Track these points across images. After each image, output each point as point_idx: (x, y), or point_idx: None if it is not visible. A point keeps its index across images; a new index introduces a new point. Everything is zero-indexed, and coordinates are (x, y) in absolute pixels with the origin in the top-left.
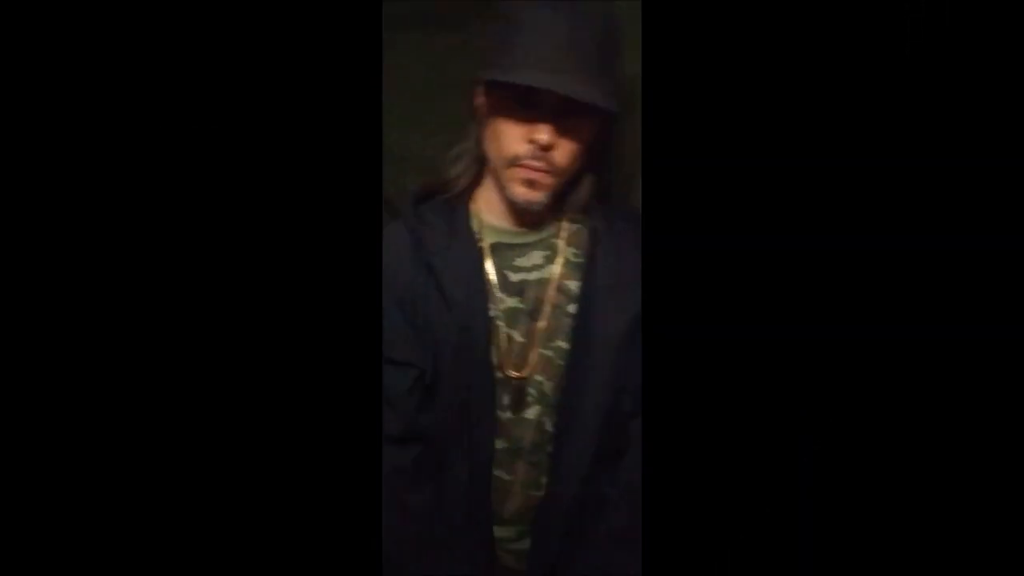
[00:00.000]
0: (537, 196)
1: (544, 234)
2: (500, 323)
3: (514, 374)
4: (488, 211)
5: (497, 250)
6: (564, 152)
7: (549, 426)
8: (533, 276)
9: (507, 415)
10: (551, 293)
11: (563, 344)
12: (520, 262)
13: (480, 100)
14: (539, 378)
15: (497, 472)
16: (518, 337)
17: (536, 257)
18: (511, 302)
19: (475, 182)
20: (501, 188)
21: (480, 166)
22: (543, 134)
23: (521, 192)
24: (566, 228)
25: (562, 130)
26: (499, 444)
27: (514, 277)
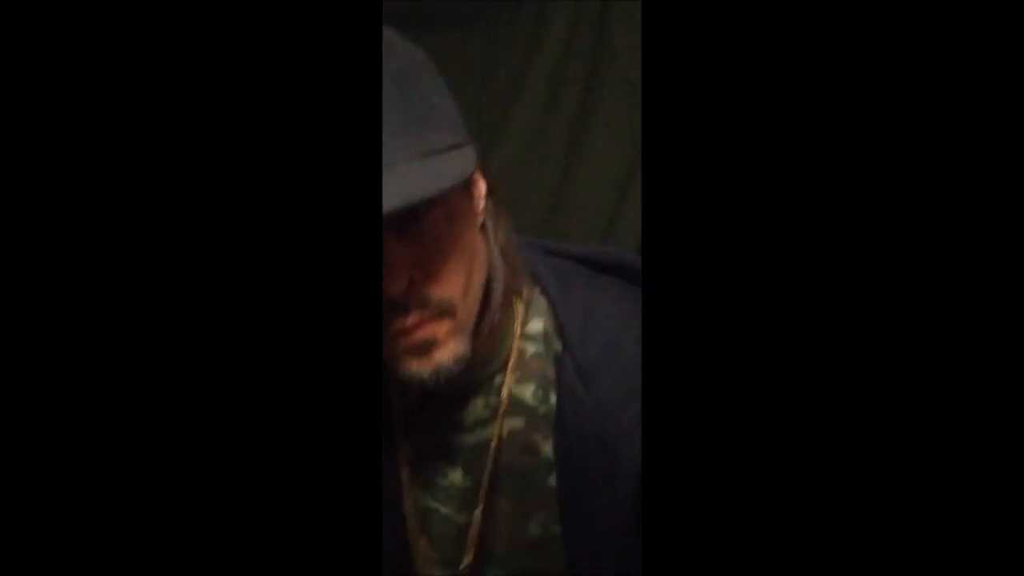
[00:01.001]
0: (443, 358)
1: (486, 371)
2: (441, 508)
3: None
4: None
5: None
6: (438, 276)
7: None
8: (482, 437)
9: None
10: (515, 457)
11: (544, 525)
12: (458, 419)
13: None
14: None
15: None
16: (474, 521)
17: (479, 409)
18: (454, 477)
19: None
20: (393, 372)
21: None
22: (390, 278)
23: (415, 366)
24: (521, 355)
25: (421, 253)
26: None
27: (454, 442)
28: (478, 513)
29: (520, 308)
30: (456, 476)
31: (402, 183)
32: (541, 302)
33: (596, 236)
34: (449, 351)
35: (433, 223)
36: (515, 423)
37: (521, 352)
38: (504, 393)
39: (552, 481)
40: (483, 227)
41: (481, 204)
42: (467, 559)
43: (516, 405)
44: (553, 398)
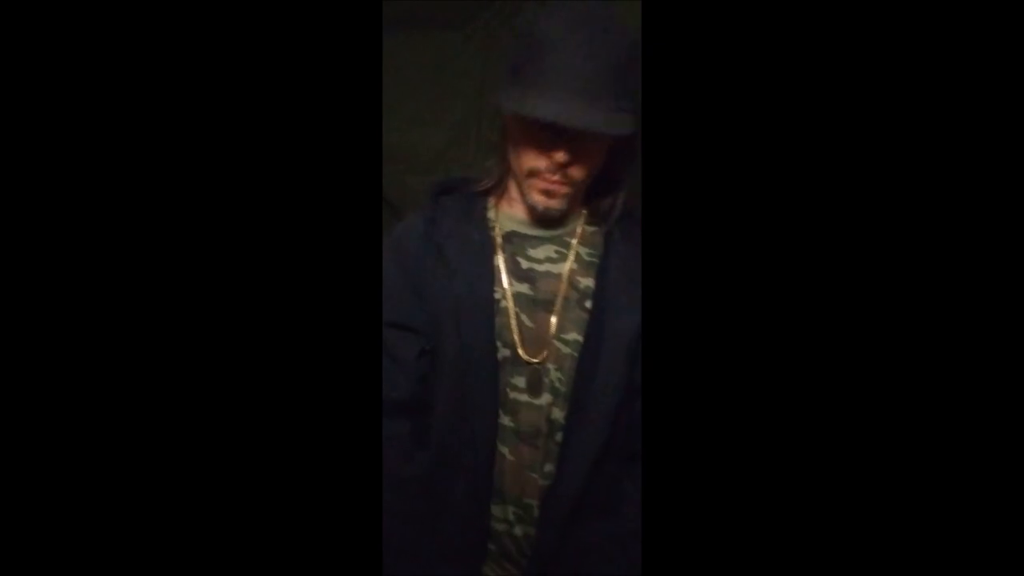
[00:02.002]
0: (555, 203)
1: (559, 231)
2: (507, 305)
3: (529, 358)
4: (508, 205)
5: (510, 239)
6: (581, 168)
7: (558, 415)
8: (543, 268)
9: (518, 396)
10: (563, 286)
11: (577, 337)
12: (532, 253)
13: (505, 119)
14: (551, 367)
15: (501, 449)
16: (528, 323)
17: (548, 251)
18: (520, 287)
19: (498, 183)
20: (522, 193)
21: (504, 171)
22: (560, 155)
23: (540, 200)
24: (581, 229)
25: (580, 151)
26: (505, 422)
27: (525, 265)
28: (529, 318)
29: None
30: (523, 288)
31: (597, 119)
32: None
33: None
34: (558, 202)
35: (600, 142)
36: (569, 265)
37: (583, 229)
38: (567, 247)
39: (587, 304)
40: (618, 161)
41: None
42: (540, 356)
43: (571, 254)
44: (596, 258)
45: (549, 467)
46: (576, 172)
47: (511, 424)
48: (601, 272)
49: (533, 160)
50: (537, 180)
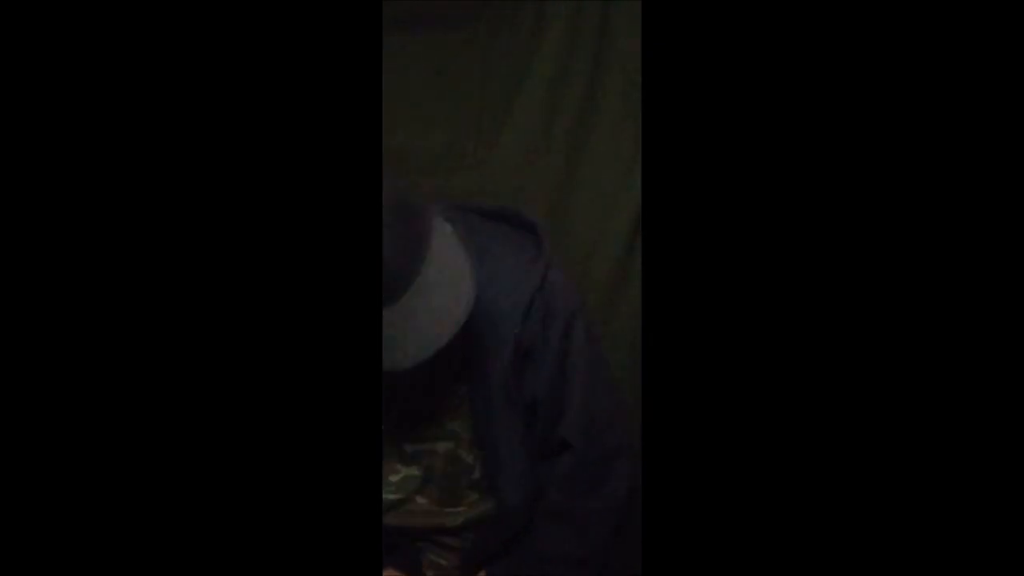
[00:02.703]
0: None
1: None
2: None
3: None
4: None
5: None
6: None
7: (466, 457)
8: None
9: (412, 447)
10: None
11: (462, 385)
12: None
13: None
14: (448, 423)
15: (420, 499)
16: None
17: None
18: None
19: None
20: None
21: None
22: None
23: None
24: None
25: None
26: (414, 472)
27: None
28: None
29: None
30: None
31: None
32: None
33: (597, 235)
34: None
35: None
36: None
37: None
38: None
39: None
40: None
41: None
42: None
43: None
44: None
45: (472, 496)
46: None
47: (417, 473)
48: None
49: None
50: None
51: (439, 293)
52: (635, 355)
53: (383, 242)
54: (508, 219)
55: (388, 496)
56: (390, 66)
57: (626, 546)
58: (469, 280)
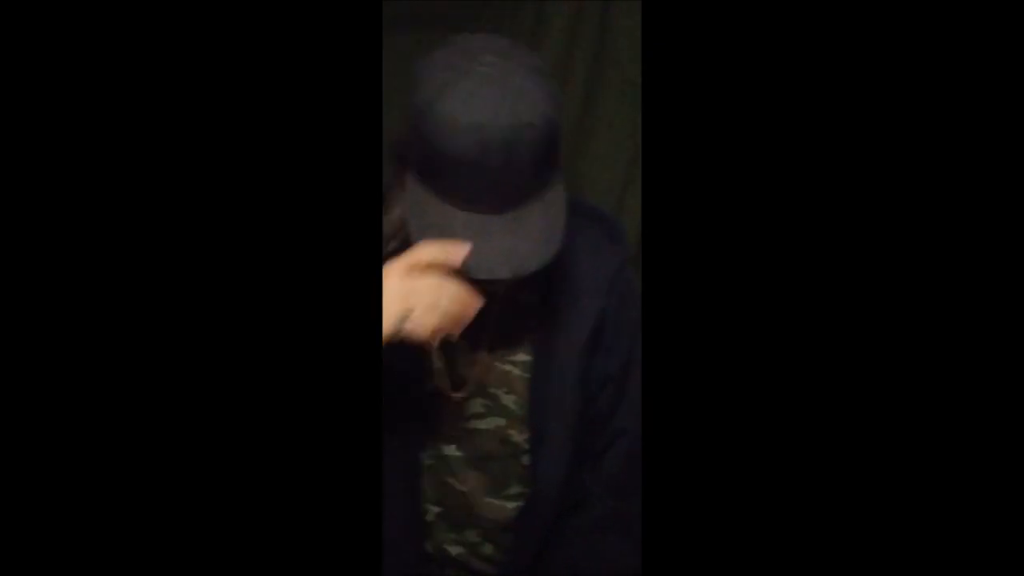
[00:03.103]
0: None
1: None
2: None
3: (455, 395)
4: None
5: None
6: None
7: (516, 437)
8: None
9: (466, 424)
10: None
11: (525, 356)
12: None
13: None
14: (495, 391)
15: (449, 480)
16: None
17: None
18: (449, 449)
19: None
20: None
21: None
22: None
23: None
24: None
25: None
26: (449, 452)
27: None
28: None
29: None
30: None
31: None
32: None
33: None
34: None
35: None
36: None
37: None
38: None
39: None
40: None
41: None
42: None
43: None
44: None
45: (516, 489)
46: None
47: (458, 453)
48: (543, 284)
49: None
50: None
51: (554, 215)
52: None
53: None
54: (585, 211)
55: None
56: (390, 66)
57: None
58: (562, 222)
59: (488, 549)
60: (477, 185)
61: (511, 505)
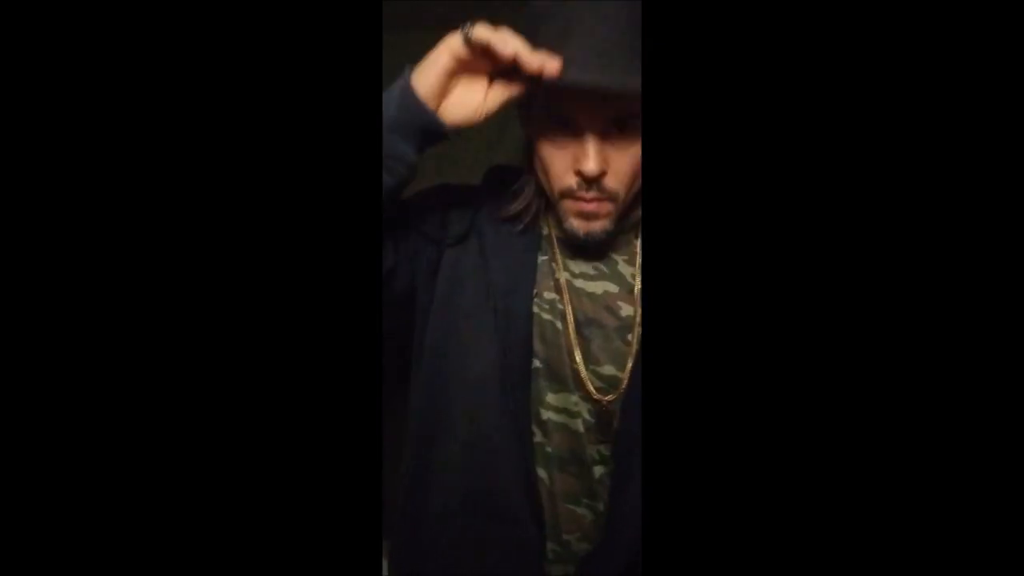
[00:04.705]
0: (596, 227)
1: (611, 253)
2: (537, 311)
3: (603, 400)
4: (557, 248)
5: (553, 242)
6: (617, 177)
7: (602, 450)
8: (579, 284)
9: (552, 416)
10: (598, 310)
11: (611, 370)
12: (571, 264)
13: (526, 129)
14: (578, 397)
15: (539, 472)
16: (557, 339)
17: (586, 265)
18: (554, 298)
19: (528, 206)
20: (561, 223)
21: (532, 197)
22: (589, 164)
23: (579, 225)
24: (633, 247)
25: (610, 152)
26: (538, 439)
27: (559, 275)
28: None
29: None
30: (556, 298)
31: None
32: None
33: None
34: (601, 225)
35: (629, 140)
36: (609, 286)
37: (633, 245)
38: (608, 264)
39: (629, 337)
40: None
41: None
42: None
43: (614, 274)
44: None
45: (588, 501)
46: (612, 183)
47: (544, 441)
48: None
49: (563, 178)
50: (571, 202)
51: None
52: None
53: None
54: None
55: None
56: (389, 65)
57: None
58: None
59: (557, 570)
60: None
61: (583, 514)
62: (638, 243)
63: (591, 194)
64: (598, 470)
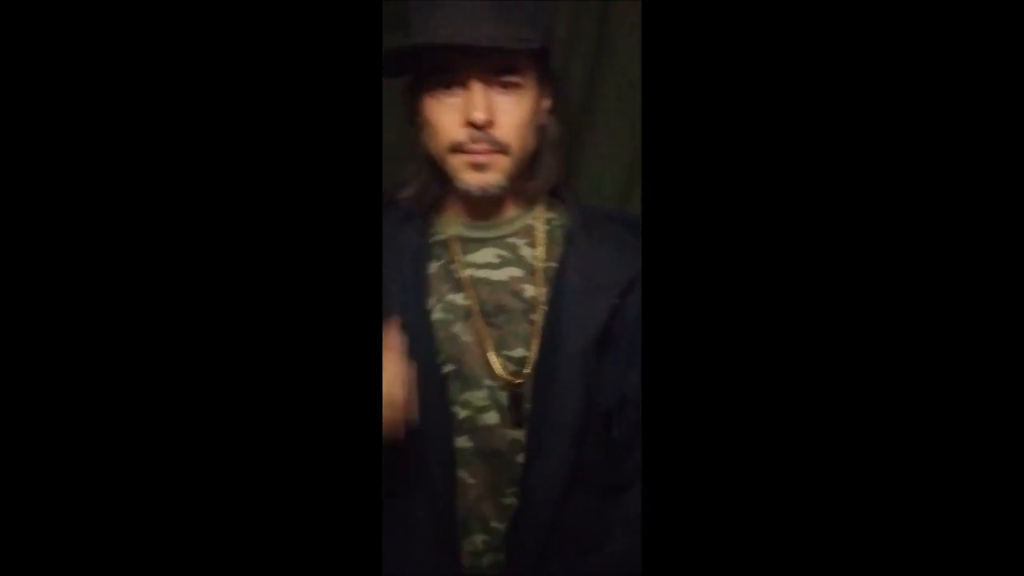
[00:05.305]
0: (490, 178)
1: (504, 231)
2: (440, 317)
3: (510, 378)
4: (450, 209)
5: (448, 244)
6: (507, 127)
7: (516, 434)
8: (482, 274)
9: (472, 415)
10: (505, 296)
11: (523, 352)
12: (471, 258)
13: (409, 97)
14: (495, 384)
15: (460, 473)
16: (463, 336)
17: (489, 255)
18: (455, 297)
19: (426, 188)
20: (452, 182)
21: (436, 175)
22: (478, 111)
23: (472, 178)
24: (534, 228)
25: (497, 104)
26: (461, 443)
27: (461, 272)
28: (471, 333)
29: (544, 206)
30: (458, 298)
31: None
32: (563, 212)
33: None
34: (494, 177)
35: (518, 94)
36: (514, 271)
37: (533, 227)
38: (510, 250)
39: (534, 316)
40: (543, 127)
41: (546, 106)
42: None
43: (517, 259)
44: (551, 263)
45: (513, 489)
46: (502, 132)
47: (468, 444)
48: (557, 278)
49: (451, 131)
50: (462, 155)
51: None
52: None
53: None
54: (617, 216)
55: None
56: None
57: None
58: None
59: (488, 559)
60: None
61: (508, 502)
62: (536, 223)
63: (481, 145)
64: (520, 457)
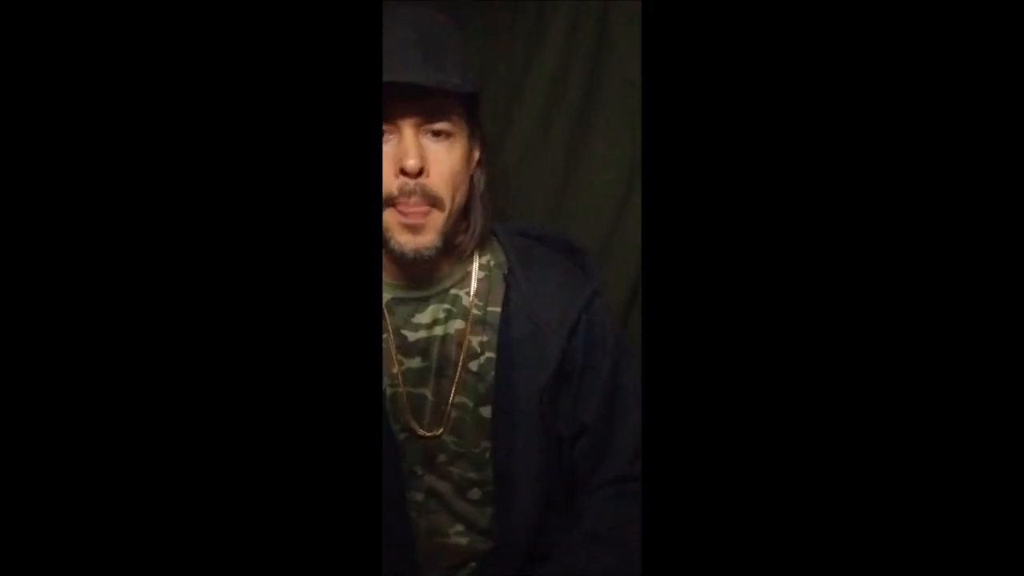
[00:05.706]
0: (424, 240)
1: (444, 285)
2: (399, 384)
3: (424, 432)
4: (385, 271)
5: (391, 310)
6: (438, 177)
7: (466, 471)
8: (432, 333)
9: (421, 471)
10: (453, 350)
11: (468, 402)
12: (418, 319)
13: None
14: (450, 438)
15: (417, 521)
16: (429, 395)
17: (436, 312)
18: (411, 362)
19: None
20: (387, 244)
21: None
22: (410, 158)
23: (406, 240)
24: (471, 277)
25: (430, 153)
26: (416, 498)
27: (412, 336)
28: (428, 391)
29: (481, 252)
30: (414, 362)
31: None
32: (499, 251)
33: (598, 237)
34: (428, 238)
35: (449, 142)
36: (459, 324)
37: (469, 273)
38: (454, 302)
39: (473, 366)
40: (472, 177)
41: (476, 157)
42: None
43: (462, 311)
44: (494, 308)
45: (459, 527)
46: (434, 185)
47: (419, 498)
48: (503, 325)
49: (385, 184)
50: (396, 214)
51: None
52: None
53: None
54: (554, 244)
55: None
56: None
57: None
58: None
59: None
60: None
61: (458, 541)
62: (472, 269)
63: (414, 199)
64: (471, 493)
